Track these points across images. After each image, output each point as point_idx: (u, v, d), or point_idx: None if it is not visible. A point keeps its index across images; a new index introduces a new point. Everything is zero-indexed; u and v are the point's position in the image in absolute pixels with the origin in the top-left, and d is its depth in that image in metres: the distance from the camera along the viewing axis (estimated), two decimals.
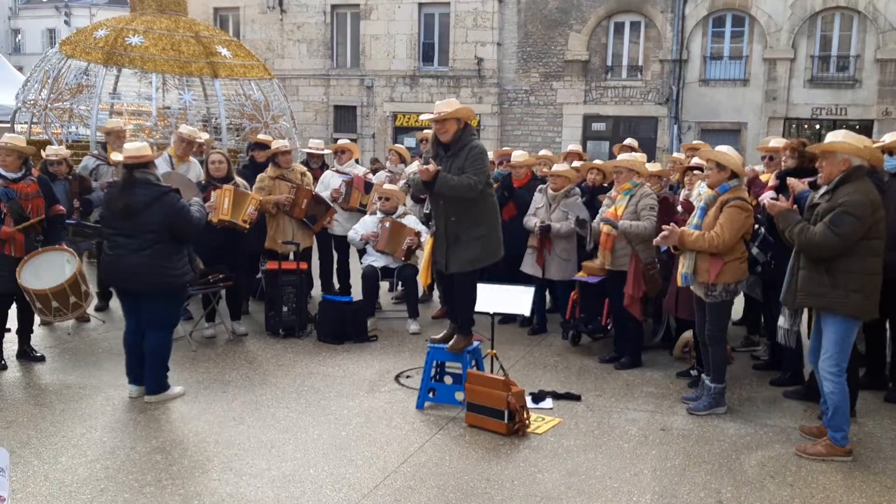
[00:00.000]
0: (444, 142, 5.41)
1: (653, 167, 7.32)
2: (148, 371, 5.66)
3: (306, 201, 7.76)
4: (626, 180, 6.62)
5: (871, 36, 20.35)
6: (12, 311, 6.53)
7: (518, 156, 8.23)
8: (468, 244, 5.39)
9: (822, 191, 4.82)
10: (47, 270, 6.21)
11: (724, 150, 5.49)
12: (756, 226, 5.75)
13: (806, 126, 21.30)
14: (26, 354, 6.57)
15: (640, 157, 7.30)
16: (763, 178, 6.83)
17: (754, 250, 5.80)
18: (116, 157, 6.07)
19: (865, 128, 19.46)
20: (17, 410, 5.43)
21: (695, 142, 9.83)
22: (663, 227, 5.57)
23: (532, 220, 7.47)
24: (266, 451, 4.82)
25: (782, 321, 5.05)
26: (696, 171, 6.69)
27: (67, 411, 5.44)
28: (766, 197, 5.83)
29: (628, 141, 9.63)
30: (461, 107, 5.40)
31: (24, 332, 6.62)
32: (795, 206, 5.19)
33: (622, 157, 6.90)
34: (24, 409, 5.47)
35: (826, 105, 20.84)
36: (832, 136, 4.80)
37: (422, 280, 5.84)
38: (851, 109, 20.63)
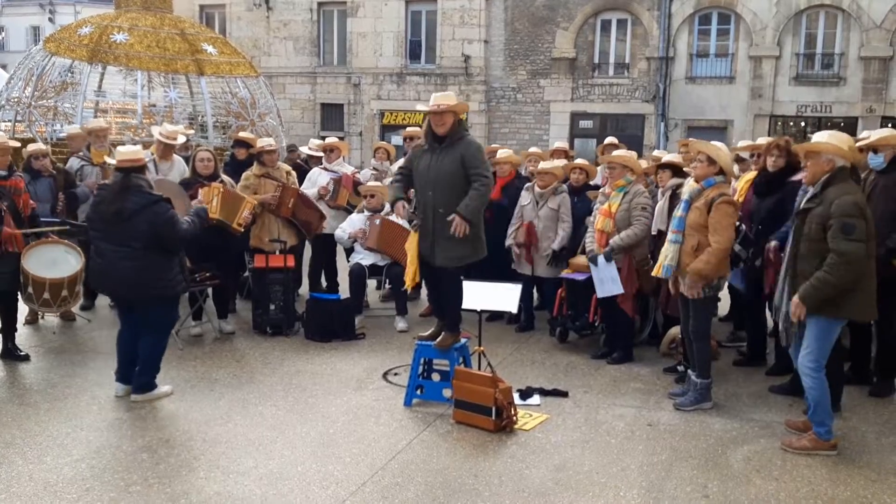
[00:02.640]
0: (441, 134, 5.41)
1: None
2: (139, 370, 5.64)
3: (293, 200, 7.73)
4: (619, 177, 6.62)
5: (855, 34, 20.49)
6: None
7: (503, 154, 8.22)
8: (454, 240, 5.37)
9: (809, 194, 4.84)
10: (48, 263, 6.31)
11: (717, 146, 5.52)
12: (738, 223, 5.79)
13: (791, 123, 21.44)
14: (10, 354, 6.52)
15: (631, 154, 7.31)
16: (748, 175, 6.85)
17: (736, 247, 5.83)
18: (110, 160, 6.10)
19: (850, 125, 19.59)
20: (0, 410, 5.39)
21: (690, 139, 9.88)
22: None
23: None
24: (253, 449, 4.81)
25: (780, 324, 5.05)
26: (666, 169, 6.72)
27: (52, 410, 5.41)
28: (772, 245, 5.80)
29: (609, 140, 9.64)
30: (459, 102, 5.46)
31: (8, 331, 6.57)
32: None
33: (616, 153, 6.91)
34: (8, 408, 5.43)
35: (811, 102, 20.98)
36: (818, 137, 4.84)
37: (408, 281, 5.82)
38: (836, 107, 20.77)
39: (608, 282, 6.48)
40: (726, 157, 5.44)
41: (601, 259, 6.47)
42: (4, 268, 6.19)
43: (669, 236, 5.61)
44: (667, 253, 5.56)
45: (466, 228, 5.26)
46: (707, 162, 5.43)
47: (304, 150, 9.29)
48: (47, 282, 6.18)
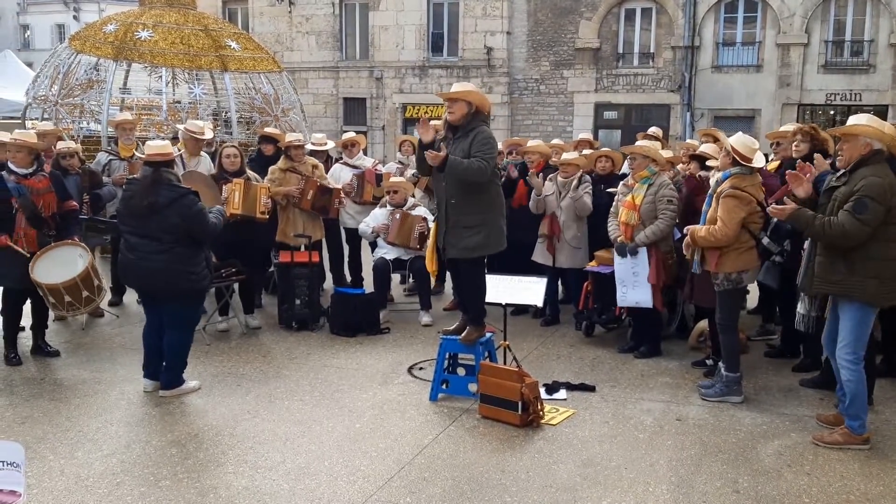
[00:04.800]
0: (451, 122, 5.35)
1: (665, 154, 7.24)
2: (166, 366, 5.69)
3: (312, 192, 7.74)
4: (641, 167, 6.53)
5: (885, 20, 20.14)
6: (26, 307, 6.56)
7: (533, 144, 8.21)
8: (466, 230, 5.34)
9: (838, 173, 4.77)
10: (60, 265, 6.25)
11: (735, 137, 5.44)
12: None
13: (820, 112, 21.13)
14: (41, 350, 6.60)
15: (655, 144, 7.22)
16: (770, 165, 6.76)
17: (765, 240, 5.71)
18: (139, 154, 6.08)
19: (880, 113, 19.18)
20: (32, 406, 5.46)
21: (711, 128, 9.72)
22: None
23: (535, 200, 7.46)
24: (280, 443, 4.83)
25: (801, 307, 5.00)
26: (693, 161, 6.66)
27: (82, 406, 5.47)
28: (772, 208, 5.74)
29: (652, 130, 9.49)
30: (474, 90, 5.37)
31: (39, 327, 6.65)
32: (812, 190, 5.06)
33: (638, 143, 6.83)
34: (39, 404, 5.50)
35: (840, 90, 20.65)
36: (855, 119, 4.75)
37: (428, 267, 5.83)
38: (866, 94, 20.44)
39: (630, 285, 6.41)
40: (738, 145, 5.33)
41: (622, 259, 6.42)
42: (16, 266, 6.17)
43: None
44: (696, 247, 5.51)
45: (435, 158, 5.21)
46: (724, 153, 5.38)
47: (309, 146, 9.26)
48: (44, 286, 6.13)
